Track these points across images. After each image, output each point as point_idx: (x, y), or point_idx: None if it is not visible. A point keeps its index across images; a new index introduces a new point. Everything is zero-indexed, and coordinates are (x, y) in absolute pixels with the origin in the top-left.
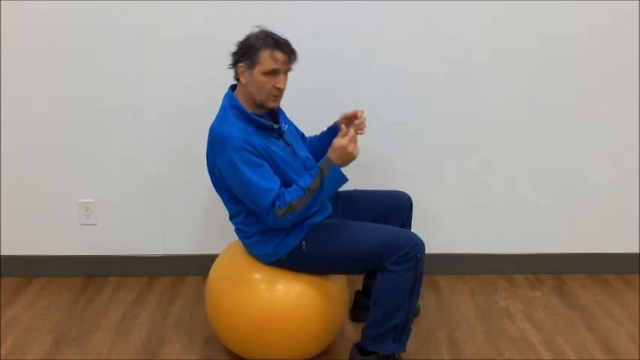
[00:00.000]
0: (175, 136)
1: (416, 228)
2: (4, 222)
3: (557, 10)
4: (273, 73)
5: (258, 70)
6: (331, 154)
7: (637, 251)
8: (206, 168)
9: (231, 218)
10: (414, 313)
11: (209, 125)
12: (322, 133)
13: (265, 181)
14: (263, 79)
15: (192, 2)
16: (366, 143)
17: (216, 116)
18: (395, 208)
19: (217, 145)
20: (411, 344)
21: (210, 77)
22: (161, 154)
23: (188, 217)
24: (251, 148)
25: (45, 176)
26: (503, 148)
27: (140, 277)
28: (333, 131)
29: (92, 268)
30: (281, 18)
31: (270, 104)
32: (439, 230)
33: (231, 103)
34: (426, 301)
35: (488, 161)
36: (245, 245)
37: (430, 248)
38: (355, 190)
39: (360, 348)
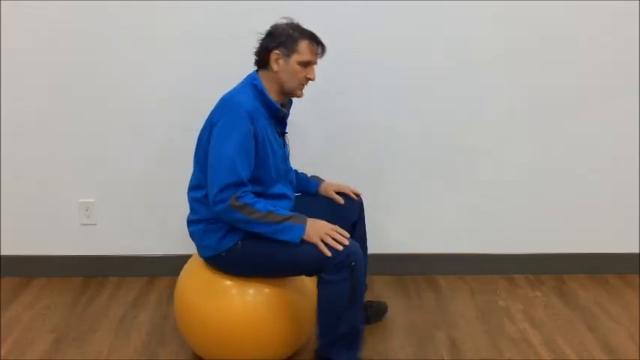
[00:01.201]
0: (176, 135)
1: (417, 227)
2: (4, 222)
3: (557, 10)
4: (308, 64)
5: (295, 59)
6: (311, 222)
7: (637, 251)
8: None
9: (191, 189)
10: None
11: None
12: (301, 176)
13: (241, 165)
14: (297, 68)
15: (192, 2)
16: (366, 142)
17: (232, 88)
18: (343, 207)
19: (225, 108)
20: (411, 344)
21: (211, 77)
22: (161, 154)
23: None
24: (252, 130)
25: (45, 176)
26: (502, 148)
27: (140, 277)
28: (309, 185)
29: (92, 268)
30: None
31: (299, 93)
32: (439, 230)
33: (252, 82)
34: (426, 300)
35: (487, 161)
36: (191, 234)
37: (430, 248)
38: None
39: (319, 354)
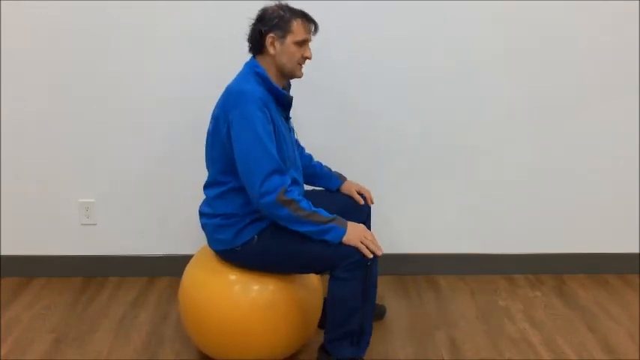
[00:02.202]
0: (175, 135)
1: (417, 227)
2: (4, 222)
3: (557, 10)
4: (303, 43)
5: (290, 39)
6: (352, 226)
7: (637, 251)
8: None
9: (208, 187)
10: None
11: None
12: (325, 170)
13: (274, 150)
14: (294, 48)
15: (192, 2)
16: (366, 142)
17: (235, 79)
18: (352, 207)
19: (235, 99)
20: (411, 344)
21: (211, 77)
22: (161, 154)
23: (188, 217)
24: (268, 115)
25: (45, 176)
26: (502, 148)
27: (140, 277)
28: (332, 182)
29: (92, 268)
30: None
31: (298, 73)
32: (439, 230)
33: (253, 70)
34: (426, 300)
35: (487, 161)
36: (205, 227)
37: (430, 248)
38: (313, 189)
39: (324, 349)
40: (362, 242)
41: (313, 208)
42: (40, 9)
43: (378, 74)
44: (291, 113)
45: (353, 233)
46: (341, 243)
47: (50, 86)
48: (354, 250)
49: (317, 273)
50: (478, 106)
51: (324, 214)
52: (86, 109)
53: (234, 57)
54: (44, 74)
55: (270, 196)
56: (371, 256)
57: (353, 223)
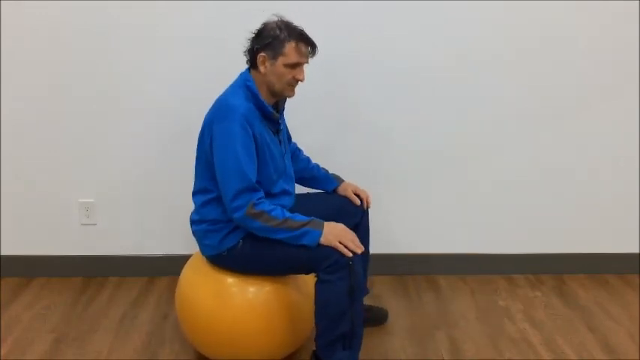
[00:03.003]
0: (175, 136)
1: (417, 227)
2: (4, 222)
3: (557, 10)
4: (295, 65)
5: (281, 61)
6: (329, 227)
7: (637, 251)
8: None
9: (196, 194)
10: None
11: None
12: (322, 172)
13: (248, 169)
14: (284, 70)
15: (192, 2)
16: (365, 142)
17: (226, 90)
18: (347, 208)
19: (221, 113)
20: (411, 344)
21: (211, 77)
22: (161, 155)
23: (188, 217)
24: (250, 133)
25: (45, 176)
26: (502, 148)
27: (140, 277)
28: (328, 183)
29: (92, 268)
30: None
31: (288, 94)
32: (439, 230)
33: (245, 83)
34: (426, 300)
35: (488, 161)
36: (195, 234)
37: (430, 248)
38: (310, 191)
39: (317, 355)
40: (340, 242)
41: (287, 215)
42: (40, 9)
43: (378, 74)
44: (286, 118)
45: (331, 233)
46: (320, 244)
47: (50, 86)
48: (333, 251)
49: (303, 273)
50: (478, 106)
51: (297, 219)
52: (86, 109)
53: (234, 57)
54: (44, 74)
55: (240, 212)
56: (350, 255)
57: (331, 223)
